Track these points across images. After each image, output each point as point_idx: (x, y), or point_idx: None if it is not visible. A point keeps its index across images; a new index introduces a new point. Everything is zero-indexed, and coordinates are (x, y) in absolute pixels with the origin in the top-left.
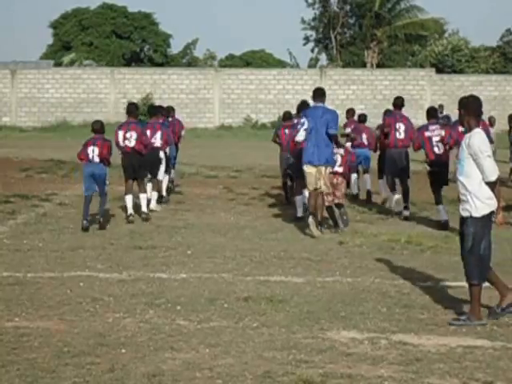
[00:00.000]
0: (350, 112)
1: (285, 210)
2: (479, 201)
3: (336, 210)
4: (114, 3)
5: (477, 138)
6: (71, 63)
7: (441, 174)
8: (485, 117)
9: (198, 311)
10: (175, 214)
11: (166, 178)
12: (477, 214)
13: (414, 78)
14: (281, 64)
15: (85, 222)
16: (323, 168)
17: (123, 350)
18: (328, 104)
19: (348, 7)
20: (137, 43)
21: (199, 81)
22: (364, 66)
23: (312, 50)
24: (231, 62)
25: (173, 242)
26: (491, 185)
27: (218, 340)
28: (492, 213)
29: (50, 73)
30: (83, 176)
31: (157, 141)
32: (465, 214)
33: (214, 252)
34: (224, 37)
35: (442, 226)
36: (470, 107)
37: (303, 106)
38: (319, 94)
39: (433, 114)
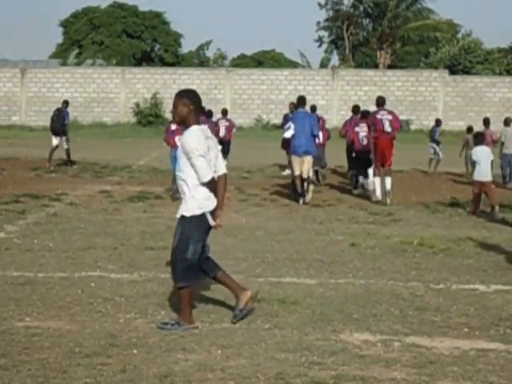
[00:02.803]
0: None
1: (296, 211)
2: (194, 200)
3: (304, 184)
4: (124, 2)
5: (190, 137)
6: (78, 63)
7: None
8: (498, 119)
9: (209, 312)
10: None
11: None
12: (188, 213)
13: (426, 80)
14: (292, 64)
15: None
16: (307, 157)
17: (135, 351)
18: (341, 105)
19: (362, 7)
20: (147, 43)
21: (210, 81)
22: (376, 66)
23: (326, 51)
24: (243, 61)
25: None
26: (208, 185)
27: (229, 341)
28: (208, 214)
29: (59, 72)
30: (171, 158)
31: None
32: (179, 213)
33: (225, 253)
34: (236, 36)
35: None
36: (197, 101)
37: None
38: (302, 101)
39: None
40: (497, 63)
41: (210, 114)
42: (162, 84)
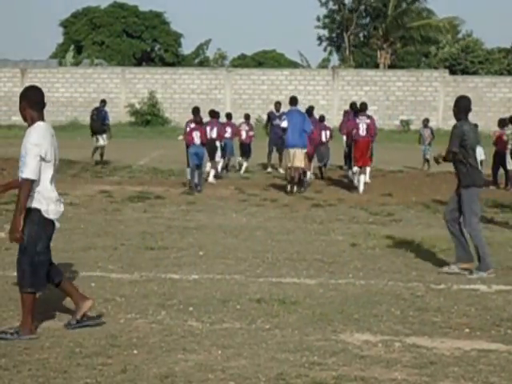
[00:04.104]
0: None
1: (297, 211)
2: (44, 199)
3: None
4: (124, 2)
5: (33, 133)
6: (76, 63)
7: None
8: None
9: (210, 312)
10: (187, 214)
11: (221, 161)
12: (40, 206)
13: (427, 80)
14: (292, 64)
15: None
16: (298, 150)
17: (135, 351)
18: (341, 105)
19: (362, 7)
20: (148, 43)
21: (210, 81)
22: (377, 66)
23: (325, 49)
24: (243, 61)
25: (184, 242)
26: (23, 184)
27: (230, 342)
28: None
29: (59, 72)
30: (189, 154)
31: (213, 134)
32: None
33: (225, 253)
34: (236, 36)
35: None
36: (30, 98)
37: (294, 101)
38: (294, 101)
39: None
40: (497, 63)
41: (217, 115)
42: (162, 84)
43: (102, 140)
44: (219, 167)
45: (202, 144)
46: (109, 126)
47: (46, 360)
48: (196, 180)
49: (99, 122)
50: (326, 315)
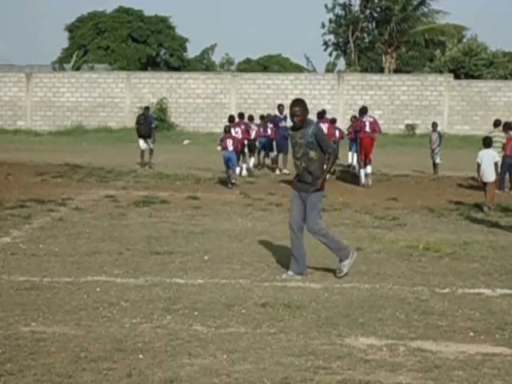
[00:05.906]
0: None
1: None
2: None
3: None
4: (130, 7)
5: None
6: (78, 67)
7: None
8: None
9: (215, 317)
10: (192, 219)
11: (252, 159)
12: None
13: (432, 84)
14: (298, 68)
15: (230, 185)
16: None
17: (140, 356)
18: (346, 109)
19: (368, 11)
20: (153, 47)
21: (216, 85)
22: (382, 71)
23: (330, 54)
24: (248, 65)
25: (190, 247)
26: None
27: (235, 346)
28: None
29: (65, 77)
30: (223, 158)
31: (238, 134)
32: None
33: (231, 257)
34: (241, 41)
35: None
36: None
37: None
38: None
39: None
40: (502, 67)
41: (251, 118)
42: (167, 88)
43: (149, 143)
44: (251, 164)
45: (236, 149)
46: (154, 130)
47: (51, 365)
48: (231, 175)
49: (147, 125)
50: (331, 319)
